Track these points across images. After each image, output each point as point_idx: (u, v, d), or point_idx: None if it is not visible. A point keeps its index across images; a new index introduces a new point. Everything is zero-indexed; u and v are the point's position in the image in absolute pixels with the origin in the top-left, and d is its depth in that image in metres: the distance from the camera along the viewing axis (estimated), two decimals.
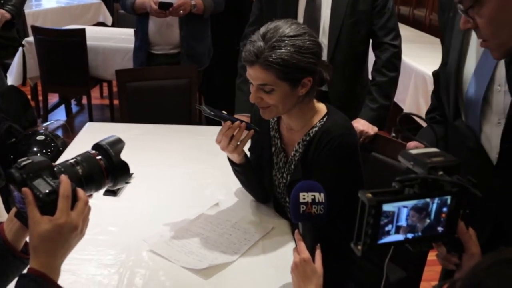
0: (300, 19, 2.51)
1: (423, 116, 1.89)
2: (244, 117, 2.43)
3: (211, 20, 3.96)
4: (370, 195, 1.04)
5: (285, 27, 1.70)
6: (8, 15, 3.68)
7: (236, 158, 1.92)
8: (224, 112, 1.88)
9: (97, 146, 1.23)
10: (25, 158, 1.11)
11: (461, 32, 1.64)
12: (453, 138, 1.68)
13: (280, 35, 1.68)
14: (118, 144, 1.24)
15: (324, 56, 2.49)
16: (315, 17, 2.51)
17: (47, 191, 1.07)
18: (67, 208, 1.08)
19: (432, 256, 1.44)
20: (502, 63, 1.55)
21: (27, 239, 1.15)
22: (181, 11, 3.53)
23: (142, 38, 3.75)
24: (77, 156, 1.20)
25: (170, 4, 3.48)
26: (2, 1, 3.71)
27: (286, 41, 1.67)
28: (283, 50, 1.66)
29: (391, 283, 1.92)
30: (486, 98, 1.58)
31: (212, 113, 1.81)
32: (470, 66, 1.66)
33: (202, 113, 1.85)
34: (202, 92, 4.61)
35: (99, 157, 1.20)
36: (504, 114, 1.53)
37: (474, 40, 1.67)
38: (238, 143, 1.83)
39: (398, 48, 2.56)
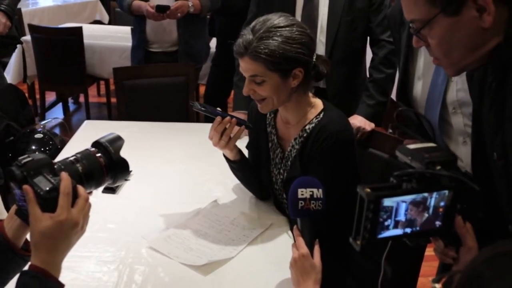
0: (298, 17, 2.51)
1: None
2: (242, 114, 2.44)
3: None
4: (369, 190, 1.05)
5: (274, 19, 1.73)
6: (8, 23, 3.68)
7: (229, 154, 1.94)
8: (218, 109, 1.89)
9: (96, 144, 1.23)
10: (26, 155, 1.11)
11: (405, 55, 1.69)
12: None
13: (268, 27, 1.70)
14: (117, 141, 1.24)
15: (322, 54, 2.50)
16: (313, 15, 2.51)
17: (47, 188, 1.07)
18: (67, 205, 1.08)
19: (429, 251, 1.45)
20: (452, 88, 1.58)
21: (27, 236, 1.15)
22: (179, 14, 3.53)
23: (139, 37, 3.74)
24: (77, 153, 1.20)
25: (167, 7, 3.48)
26: None
27: (274, 32, 1.69)
28: (270, 41, 1.68)
29: (389, 278, 1.93)
30: (446, 119, 1.61)
31: (203, 109, 1.82)
32: (419, 89, 1.70)
33: (193, 109, 1.86)
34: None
35: (98, 155, 1.21)
36: (468, 134, 1.55)
37: (420, 63, 1.70)
38: (231, 136, 1.84)
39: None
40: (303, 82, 1.77)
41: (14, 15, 3.75)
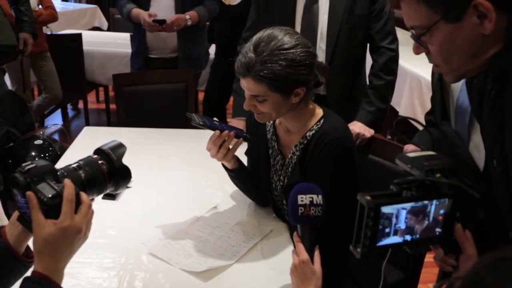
0: (298, 24, 2.52)
1: (420, 118, 1.91)
2: (241, 121, 2.45)
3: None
4: (369, 197, 1.06)
5: (278, 38, 1.70)
6: (31, 40, 3.94)
7: (227, 164, 1.94)
8: (215, 119, 1.90)
9: (99, 151, 1.24)
10: (29, 162, 1.12)
11: None
12: (442, 143, 1.71)
13: (272, 49, 1.68)
14: (119, 148, 1.25)
15: (322, 61, 2.51)
16: (313, 22, 2.52)
17: (51, 195, 1.08)
18: (71, 211, 1.09)
19: (429, 257, 1.45)
20: None
21: (29, 242, 1.16)
22: (175, 27, 3.54)
23: (139, 43, 3.75)
24: (80, 160, 1.21)
25: (164, 21, 3.50)
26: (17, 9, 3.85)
27: (278, 55, 1.68)
28: (274, 65, 1.67)
29: (389, 284, 1.94)
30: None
31: (201, 123, 1.82)
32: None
33: (191, 123, 1.84)
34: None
35: (101, 162, 1.21)
36: None
37: None
38: (229, 148, 1.85)
39: (395, 52, 2.57)
40: (304, 97, 1.78)
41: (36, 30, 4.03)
